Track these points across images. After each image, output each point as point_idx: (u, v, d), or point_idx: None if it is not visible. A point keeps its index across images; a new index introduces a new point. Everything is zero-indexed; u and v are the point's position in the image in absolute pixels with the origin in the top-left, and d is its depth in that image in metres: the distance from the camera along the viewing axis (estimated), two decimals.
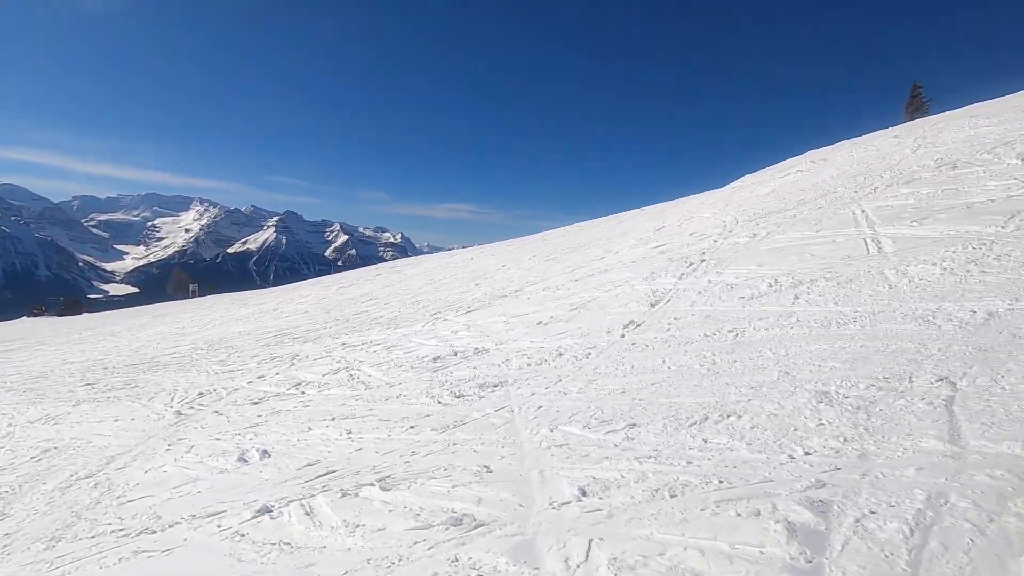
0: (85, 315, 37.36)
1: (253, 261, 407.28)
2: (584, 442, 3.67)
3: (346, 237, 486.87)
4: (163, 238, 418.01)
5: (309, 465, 4.11)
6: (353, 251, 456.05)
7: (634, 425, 3.73)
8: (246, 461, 4.38)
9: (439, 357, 7.16)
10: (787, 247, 8.76)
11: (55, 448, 5.61)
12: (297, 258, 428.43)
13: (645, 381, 4.71)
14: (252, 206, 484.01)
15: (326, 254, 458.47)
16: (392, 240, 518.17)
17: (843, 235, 8.48)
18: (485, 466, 3.50)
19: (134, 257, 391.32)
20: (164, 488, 4.17)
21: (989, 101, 19.10)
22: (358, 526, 3.01)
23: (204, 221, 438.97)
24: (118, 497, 4.15)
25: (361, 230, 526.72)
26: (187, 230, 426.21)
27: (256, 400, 6.45)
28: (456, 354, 7.25)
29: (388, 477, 3.62)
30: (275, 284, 41.05)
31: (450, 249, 32.43)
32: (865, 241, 7.88)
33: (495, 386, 5.48)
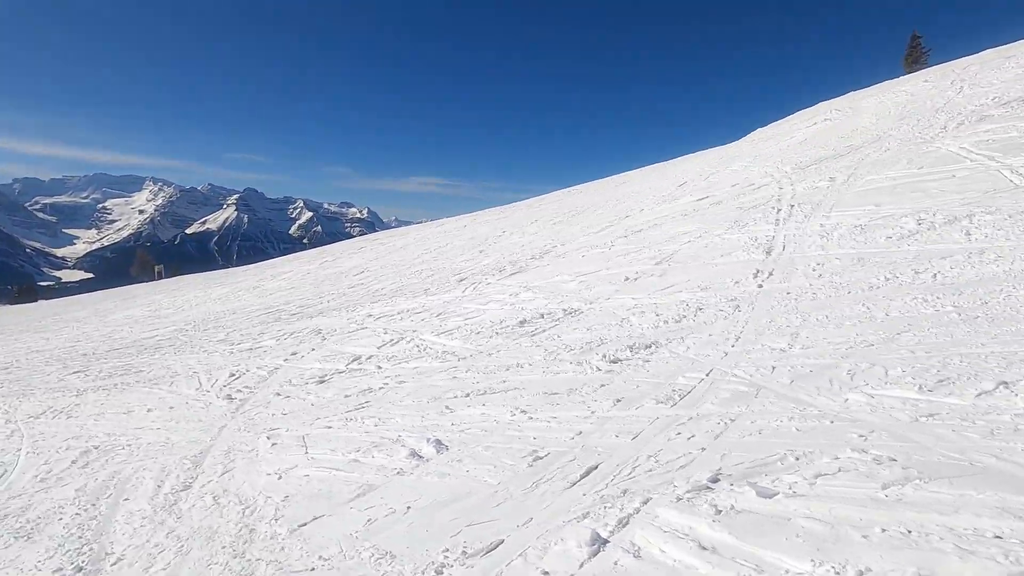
0: (42, 302, 34.57)
1: (214, 241, 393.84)
2: (973, 411, 2.57)
3: (311, 214, 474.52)
4: (115, 220, 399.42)
5: (538, 459, 2.89)
6: (319, 228, 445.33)
7: (1005, 383, 2.78)
8: (421, 456, 3.25)
9: (525, 320, 6.02)
10: (893, 187, 7.78)
11: (95, 448, 4.56)
12: (260, 237, 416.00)
13: (886, 330, 3.69)
14: (209, 184, 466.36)
15: (290, 232, 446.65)
16: (359, 215, 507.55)
17: (962, 170, 7.46)
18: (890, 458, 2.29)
19: (86, 241, 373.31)
20: (340, 503, 2.90)
21: (1008, 45, 18.37)
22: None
23: (159, 201, 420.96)
24: (278, 521, 2.78)
25: (326, 206, 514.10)
26: (141, 211, 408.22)
27: (321, 378, 5.50)
28: (543, 316, 6.16)
29: (732, 476, 2.43)
30: (239, 264, 38.80)
31: (419, 223, 31.06)
32: (1001, 173, 6.85)
33: (647, 347, 4.44)
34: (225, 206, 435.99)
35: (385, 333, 6.87)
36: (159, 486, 3.45)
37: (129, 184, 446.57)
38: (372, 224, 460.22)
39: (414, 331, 6.68)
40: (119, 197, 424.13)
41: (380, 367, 5.53)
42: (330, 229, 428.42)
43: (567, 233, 13.11)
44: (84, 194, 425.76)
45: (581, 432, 3.14)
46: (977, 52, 18.48)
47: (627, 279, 6.97)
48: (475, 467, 2.94)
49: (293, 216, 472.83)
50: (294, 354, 6.69)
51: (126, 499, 3.35)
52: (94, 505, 3.31)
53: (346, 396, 4.75)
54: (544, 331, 5.63)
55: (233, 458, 3.83)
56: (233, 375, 6.10)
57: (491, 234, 17.03)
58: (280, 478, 3.33)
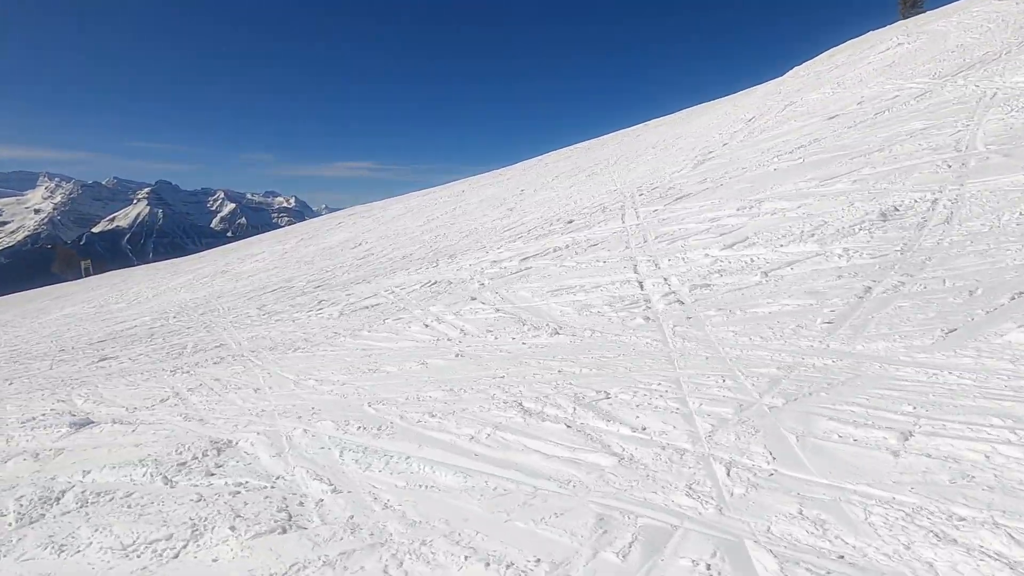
0: None
1: (126, 239, 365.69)
2: None
3: (233, 205, 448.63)
4: (7, 223, 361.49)
5: None
6: (243, 220, 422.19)
7: None
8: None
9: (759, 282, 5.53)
10: None
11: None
12: (179, 232, 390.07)
13: None
14: (115, 178, 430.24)
15: (212, 225, 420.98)
16: (286, 204, 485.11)
17: None
18: None
19: None
20: None
21: None
22: None
23: (57, 199, 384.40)
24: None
25: (249, 196, 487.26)
26: (37, 211, 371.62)
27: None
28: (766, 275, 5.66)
29: None
30: (156, 261, 36.21)
31: (365, 206, 30.20)
32: None
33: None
34: (136, 201, 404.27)
35: (495, 309, 6.49)
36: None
37: (21, 181, 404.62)
38: (301, 213, 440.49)
39: (516, 304, 6.40)
40: (9, 196, 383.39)
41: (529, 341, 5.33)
42: (256, 220, 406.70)
43: (620, 181, 13.04)
44: None
45: None
46: None
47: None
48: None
49: (214, 208, 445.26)
50: (397, 332, 6.35)
51: None
52: None
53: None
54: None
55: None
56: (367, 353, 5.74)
57: (507, 195, 16.73)
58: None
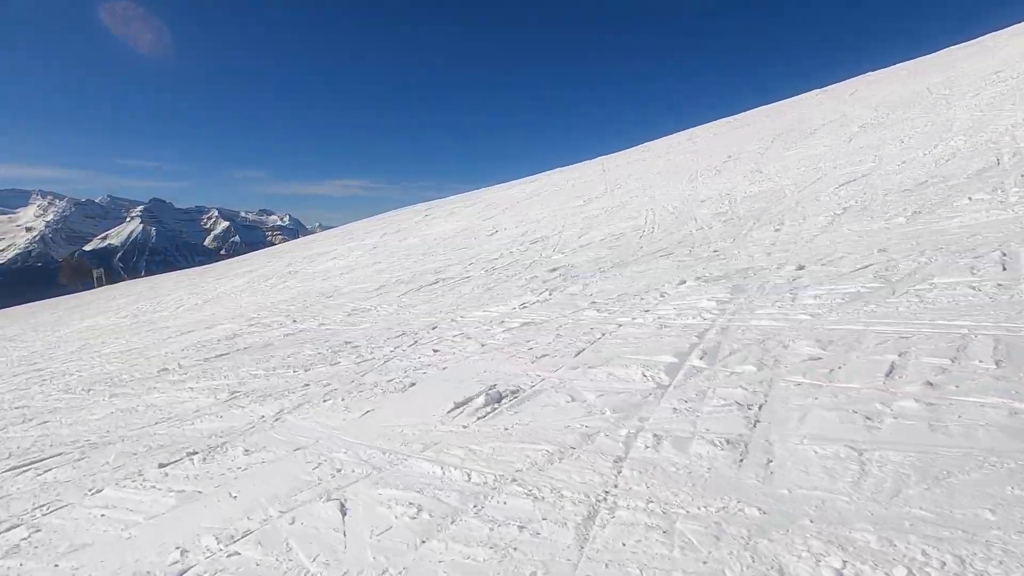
0: None
1: (118, 257, 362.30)
2: None
3: (227, 223, 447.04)
4: None
5: None
6: (237, 238, 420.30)
7: None
8: None
9: None
10: None
11: None
12: (172, 250, 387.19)
13: None
14: (109, 196, 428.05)
15: (205, 243, 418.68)
16: (280, 222, 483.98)
17: None
18: None
19: None
20: None
21: None
22: None
23: (50, 217, 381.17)
24: None
25: (243, 214, 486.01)
26: (29, 228, 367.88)
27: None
28: None
29: None
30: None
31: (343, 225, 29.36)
32: None
33: None
34: (129, 219, 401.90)
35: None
36: None
37: (13, 198, 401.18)
38: (295, 231, 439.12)
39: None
40: (1, 214, 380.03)
41: None
42: (249, 238, 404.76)
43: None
44: None
45: None
46: None
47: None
48: None
49: (207, 227, 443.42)
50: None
51: None
52: None
53: None
54: None
55: None
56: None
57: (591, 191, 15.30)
58: None
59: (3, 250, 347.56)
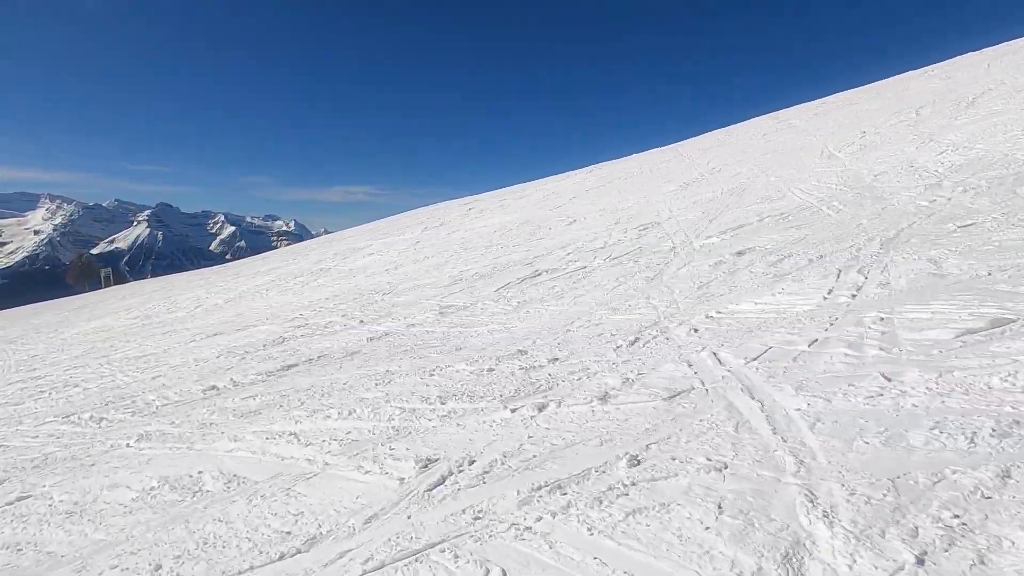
0: None
1: (125, 261, 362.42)
2: None
3: (233, 228, 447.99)
4: (6, 243, 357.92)
5: None
6: (243, 243, 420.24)
7: None
8: None
9: None
10: None
11: None
12: (177, 254, 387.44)
13: None
14: (116, 200, 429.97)
15: (211, 248, 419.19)
16: (285, 228, 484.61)
17: None
18: None
19: None
20: None
21: None
22: None
23: (57, 220, 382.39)
24: None
25: (249, 219, 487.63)
26: (37, 232, 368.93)
27: None
28: None
29: None
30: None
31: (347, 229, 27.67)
32: None
33: None
34: (136, 223, 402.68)
35: None
36: None
37: (22, 202, 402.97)
38: (300, 236, 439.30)
39: None
40: (10, 217, 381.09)
41: None
42: (255, 244, 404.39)
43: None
44: None
45: None
46: None
47: None
48: None
49: (213, 231, 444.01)
50: None
51: None
52: None
53: None
54: None
55: None
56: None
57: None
58: None
59: (11, 253, 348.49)
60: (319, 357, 5.29)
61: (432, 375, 4.24)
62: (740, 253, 6.81)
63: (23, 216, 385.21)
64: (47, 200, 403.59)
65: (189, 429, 3.82)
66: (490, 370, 4.13)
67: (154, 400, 4.66)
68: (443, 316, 6.33)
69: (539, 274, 7.71)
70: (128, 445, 3.67)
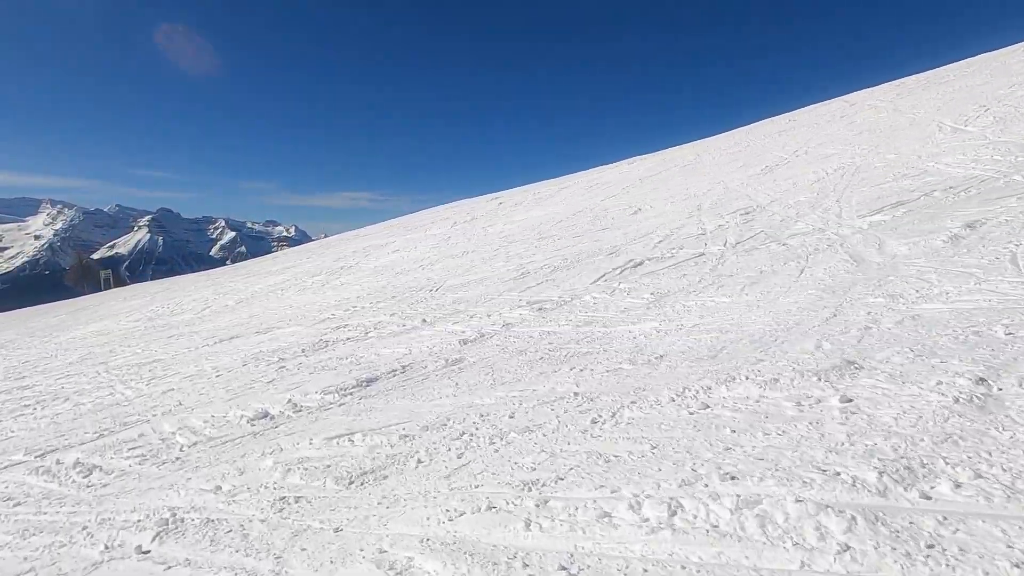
0: None
1: (125, 266, 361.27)
2: None
3: (233, 233, 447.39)
4: (6, 248, 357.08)
5: None
6: (243, 248, 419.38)
7: None
8: None
9: None
10: None
11: None
12: (178, 259, 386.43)
13: None
14: (117, 205, 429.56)
15: (211, 252, 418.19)
16: (286, 233, 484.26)
17: None
18: None
19: None
20: None
21: None
22: None
23: (58, 225, 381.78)
24: None
25: (250, 225, 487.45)
26: (37, 236, 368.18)
27: None
28: None
29: None
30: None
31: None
32: None
33: None
34: (136, 228, 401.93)
35: None
36: None
37: (23, 207, 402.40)
38: (299, 241, 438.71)
39: None
40: (10, 222, 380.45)
41: None
42: (255, 249, 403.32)
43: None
44: None
45: None
46: None
47: None
48: None
49: (214, 236, 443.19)
50: None
51: None
52: None
53: None
54: None
55: None
56: None
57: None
58: None
59: (12, 257, 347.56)
60: (403, 368, 3.84)
61: (637, 404, 2.52)
62: (969, 226, 5.40)
63: (24, 221, 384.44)
64: (48, 205, 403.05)
65: (260, 512, 1.89)
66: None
67: (174, 434, 3.08)
68: (543, 313, 4.94)
69: (640, 263, 6.34)
70: (140, 551, 1.86)
